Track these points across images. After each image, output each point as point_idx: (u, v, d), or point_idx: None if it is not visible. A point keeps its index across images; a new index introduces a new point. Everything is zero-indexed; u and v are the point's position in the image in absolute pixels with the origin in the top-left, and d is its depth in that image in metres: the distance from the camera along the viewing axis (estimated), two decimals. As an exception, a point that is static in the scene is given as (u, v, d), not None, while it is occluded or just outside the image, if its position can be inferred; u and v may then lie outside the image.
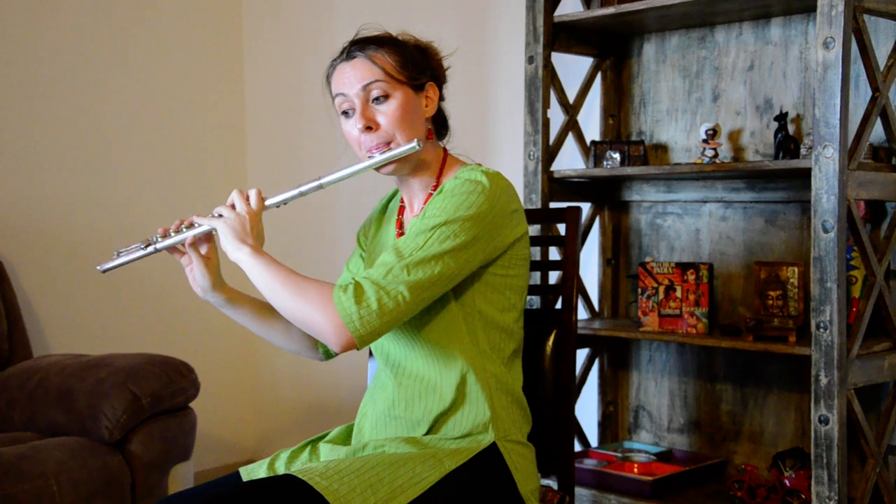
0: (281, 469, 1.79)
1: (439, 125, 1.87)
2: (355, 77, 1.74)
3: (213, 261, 1.82)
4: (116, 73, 3.51)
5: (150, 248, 1.81)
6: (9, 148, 3.25)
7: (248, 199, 1.77)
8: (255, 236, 1.73)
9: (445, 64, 1.86)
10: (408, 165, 1.78)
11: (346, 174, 1.76)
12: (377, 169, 1.76)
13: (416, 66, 1.78)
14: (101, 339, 3.40)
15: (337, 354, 1.89)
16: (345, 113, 1.78)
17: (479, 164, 1.83)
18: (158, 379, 2.66)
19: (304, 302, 1.62)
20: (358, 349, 1.61)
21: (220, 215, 1.75)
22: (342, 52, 1.79)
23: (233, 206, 1.75)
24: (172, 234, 1.80)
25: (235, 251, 1.69)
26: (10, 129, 3.25)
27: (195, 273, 1.81)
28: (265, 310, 1.88)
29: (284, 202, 1.78)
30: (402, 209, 1.89)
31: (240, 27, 3.90)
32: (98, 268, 1.89)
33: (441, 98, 1.85)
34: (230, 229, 1.71)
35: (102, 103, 3.48)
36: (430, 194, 1.80)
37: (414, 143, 1.72)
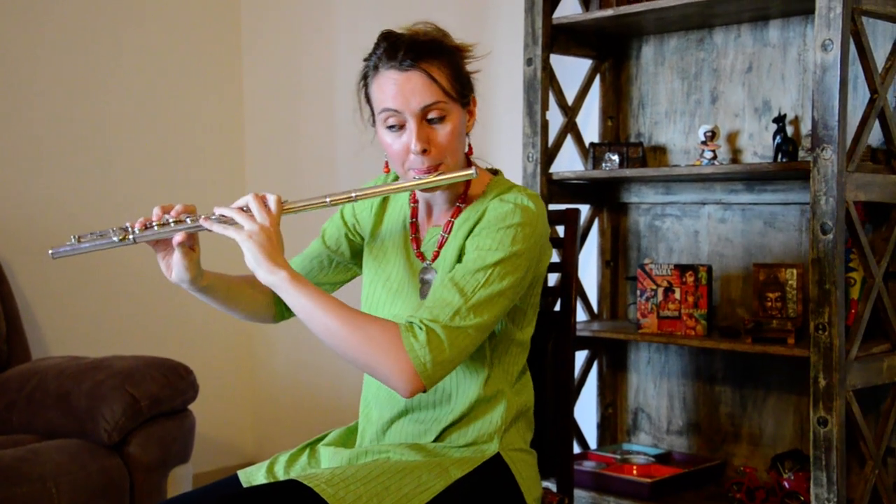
0: (280, 473, 1.77)
1: None
2: (412, 94, 1.63)
3: (196, 252, 1.68)
4: (116, 75, 3.51)
5: (129, 240, 1.63)
6: (9, 148, 3.25)
7: (265, 202, 1.61)
8: (283, 251, 1.60)
9: (476, 67, 1.77)
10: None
11: (384, 191, 1.68)
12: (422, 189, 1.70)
13: (464, 79, 1.71)
14: (100, 342, 3.40)
15: (281, 320, 1.91)
16: (390, 127, 1.67)
17: (501, 172, 1.81)
18: (157, 381, 2.66)
19: (369, 345, 1.54)
20: (424, 391, 1.57)
21: (227, 219, 1.60)
22: (392, 57, 1.64)
23: (248, 213, 1.60)
24: (156, 226, 1.64)
25: (269, 274, 1.57)
26: (10, 129, 3.25)
27: (176, 266, 1.67)
28: (234, 292, 1.80)
29: (306, 209, 1.64)
30: (414, 211, 1.82)
31: (238, 26, 3.90)
32: (49, 252, 1.68)
33: None
34: (257, 246, 1.56)
35: (102, 104, 3.48)
36: (459, 207, 1.75)
37: (472, 172, 1.65)
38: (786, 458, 2.47)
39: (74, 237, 1.66)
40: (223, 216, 1.61)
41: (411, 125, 1.65)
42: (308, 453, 1.82)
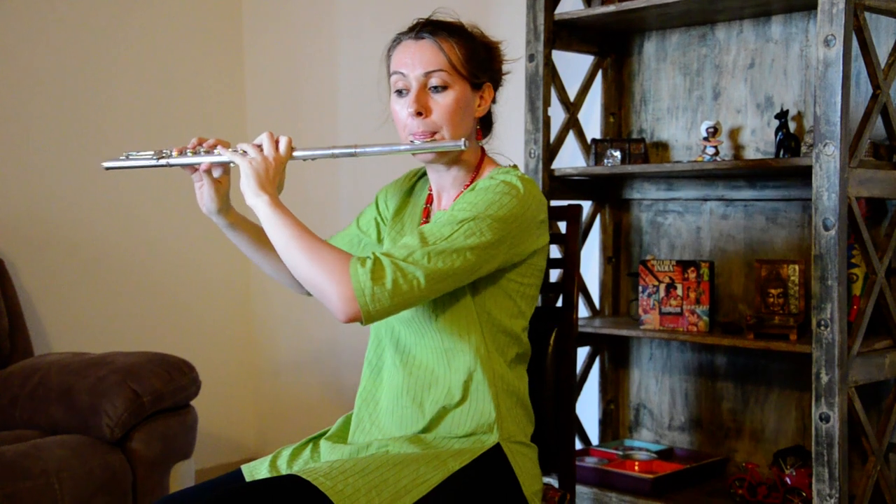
0: (283, 466, 1.78)
1: (485, 126, 1.87)
2: (419, 60, 1.73)
3: (224, 186, 1.82)
4: (117, 74, 3.51)
5: (163, 162, 1.80)
6: (9, 148, 3.25)
7: (277, 143, 1.73)
8: (277, 185, 1.71)
9: (507, 68, 1.86)
10: (446, 158, 1.78)
11: (382, 150, 1.75)
12: (414, 154, 1.76)
13: (480, 63, 1.78)
14: (102, 338, 3.40)
15: None
16: (398, 91, 1.76)
17: (516, 166, 1.84)
18: (159, 377, 2.66)
19: (319, 266, 1.60)
20: (362, 324, 1.60)
21: (245, 152, 1.72)
22: (410, 29, 1.76)
23: (260, 148, 1.71)
24: (189, 153, 1.79)
25: (254, 196, 1.67)
26: (9, 128, 3.25)
27: (204, 195, 1.82)
28: (263, 239, 1.90)
29: (313, 157, 1.75)
30: (429, 198, 1.89)
31: (240, 27, 3.90)
32: (102, 164, 1.87)
33: (493, 101, 1.84)
34: (253, 171, 1.68)
35: (102, 103, 3.48)
36: (462, 192, 1.80)
37: (461, 143, 1.72)
38: (788, 453, 2.47)
39: (125, 154, 1.85)
40: (244, 151, 1.73)
41: (413, 89, 1.73)
42: (311, 447, 1.83)
